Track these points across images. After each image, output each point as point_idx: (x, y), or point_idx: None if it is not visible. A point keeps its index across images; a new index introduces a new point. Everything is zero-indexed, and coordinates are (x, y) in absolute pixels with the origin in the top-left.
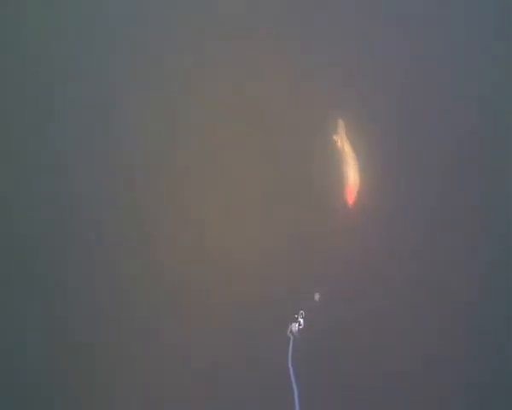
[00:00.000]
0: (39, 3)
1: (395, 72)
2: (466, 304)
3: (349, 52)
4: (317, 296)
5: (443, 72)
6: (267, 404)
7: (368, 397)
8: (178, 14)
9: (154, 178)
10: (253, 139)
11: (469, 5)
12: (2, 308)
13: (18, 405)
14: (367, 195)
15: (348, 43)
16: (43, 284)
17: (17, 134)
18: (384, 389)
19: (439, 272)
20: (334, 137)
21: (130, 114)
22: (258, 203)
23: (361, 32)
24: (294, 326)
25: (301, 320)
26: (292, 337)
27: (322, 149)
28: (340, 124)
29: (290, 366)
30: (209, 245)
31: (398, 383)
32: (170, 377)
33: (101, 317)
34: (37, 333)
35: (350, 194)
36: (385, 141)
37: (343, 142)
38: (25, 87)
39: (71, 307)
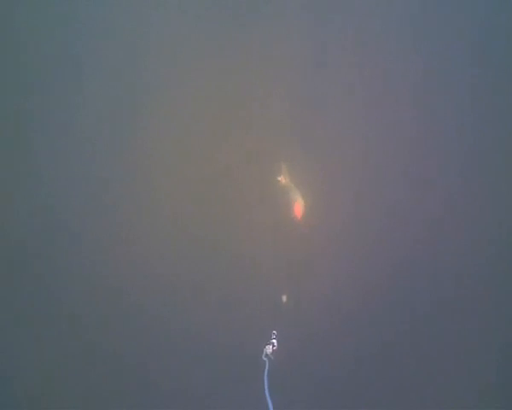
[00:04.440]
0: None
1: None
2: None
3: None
4: (284, 298)
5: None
6: None
7: None
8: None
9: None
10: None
11: None
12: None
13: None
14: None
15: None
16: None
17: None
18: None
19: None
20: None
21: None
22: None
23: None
24: (268, 348)
25: (275, 341)
26: (267, 361)
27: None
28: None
29: (266, 390)
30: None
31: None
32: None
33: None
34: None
35: (297, 211)
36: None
37: (286, 179)
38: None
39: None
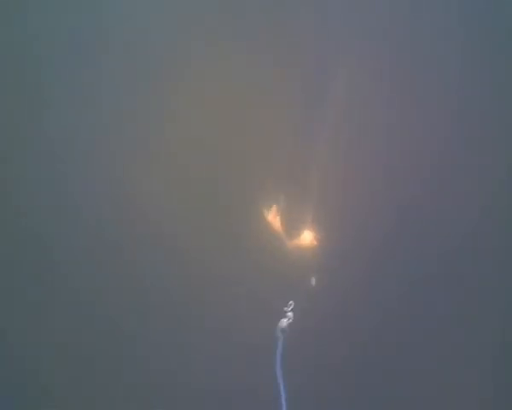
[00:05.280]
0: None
1: None
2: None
3: None
4: (313, 281)
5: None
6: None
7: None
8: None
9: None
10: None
11: None
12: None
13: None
14: None
15: None
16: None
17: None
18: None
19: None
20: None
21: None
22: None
23: None
24: (283, 322)
25: (290, 314)
26: (281, 337)
27: None
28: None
29: (279, 368)
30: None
31: (392, 386)
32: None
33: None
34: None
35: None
36: None
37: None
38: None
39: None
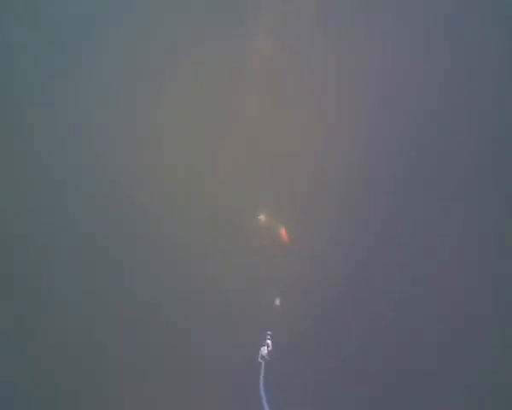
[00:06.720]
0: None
1: None
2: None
3: None
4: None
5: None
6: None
7: None
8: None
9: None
10: None
11: None
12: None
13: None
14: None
15: None
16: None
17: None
18: None
19: None
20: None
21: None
22: None
23: None
24: (264, 350)
25: (269, 342)
26: (263, 362)
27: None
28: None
29: (262, 392)
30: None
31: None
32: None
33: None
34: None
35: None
36: None
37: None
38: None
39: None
